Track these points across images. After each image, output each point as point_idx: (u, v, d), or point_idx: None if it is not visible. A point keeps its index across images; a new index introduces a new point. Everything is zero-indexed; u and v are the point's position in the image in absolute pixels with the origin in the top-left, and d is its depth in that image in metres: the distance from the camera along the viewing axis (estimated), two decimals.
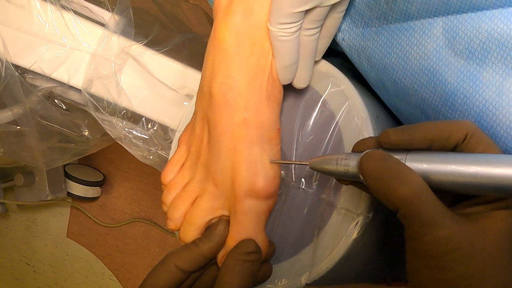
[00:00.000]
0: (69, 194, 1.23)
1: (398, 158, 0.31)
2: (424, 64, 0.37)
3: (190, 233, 0.41)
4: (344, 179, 0.35)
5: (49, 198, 1.18)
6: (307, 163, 0.36)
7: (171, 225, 0.42)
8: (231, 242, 0.39)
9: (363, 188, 0.36)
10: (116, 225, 1.27)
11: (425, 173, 0.30)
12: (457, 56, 0.36)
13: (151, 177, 1.25)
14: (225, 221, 0.40)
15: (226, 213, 0.40)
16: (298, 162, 0.38)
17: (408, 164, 0.30)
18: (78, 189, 1.24)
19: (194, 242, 0.40)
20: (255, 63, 0.38)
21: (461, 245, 0.28)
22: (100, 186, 1.26)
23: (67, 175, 1.22)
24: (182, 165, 0.43)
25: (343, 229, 0.39)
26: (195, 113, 0.42)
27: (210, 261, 0.40)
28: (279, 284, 0.41)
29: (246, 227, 0.39)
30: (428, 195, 0.29)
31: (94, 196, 1.26)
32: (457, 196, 0.32)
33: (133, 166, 1.27)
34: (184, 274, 0.38)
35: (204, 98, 0.40)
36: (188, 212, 0.41)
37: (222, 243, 0.40)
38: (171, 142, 0.64)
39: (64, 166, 1.21)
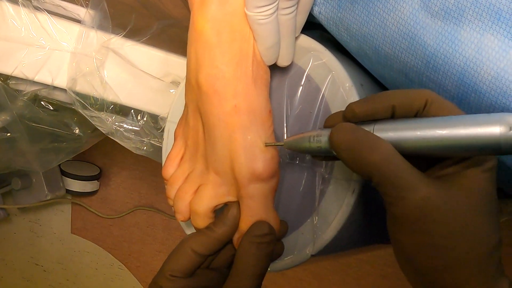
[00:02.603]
0: (68, 191, 1.24)
1: (367, 130, 0.32)
2: (402, 29, 0.37)
3: (198, 222, 0.41)
4: (318, 155, 0.36)
5: (48, 197, 1.18)
6: (282, 144, 0.37)
7: (179, 217, 0.43)
8: (244, 225, 0.40)
9: (339, 160, 0.37)
10: (119, 215, 1.28)
11: (393, 140, 0.30)
12: (433, 17, 0.36)
13: (147, 164, 1.26)
14: (237, 204, 0.41)
15: (231, 199, 0.41)
16: (277, 143, 0.39)
17: (376, 134, 0.31)
18: (76, 185, 1.24)
19: (208, 227, 0.41)
20: (238, 50, 0.38)
21: (438, 206, 0.29)
22: (97, 179, 1.27)
23: (64, 173, 1.22)
24: (181, 159, 0.44)
25: (341, 198, 0.40)
26: (186, 106, 0.43)
27: (226, 244, 0.41)
28: (285, 259, 0.42)
29: (256, 209, 0.40)
30: (399, 159, 0.30)
31: (93, 190, 1.26)
32: (428, 161, 0.33)
33: (127, 156, 1.27)
34: (201, 258, 0.39)
35: (193, 90, 0.40)
36: (192, 201, 0.42)
37: (236, 226, 0.40)
38: (162, 131, 0.65)
39: (60, 164, 1.21)
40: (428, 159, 0.33)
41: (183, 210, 0.42)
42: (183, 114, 0.44)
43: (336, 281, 1.13)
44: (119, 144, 0.66)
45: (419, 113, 0.31)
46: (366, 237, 0.48)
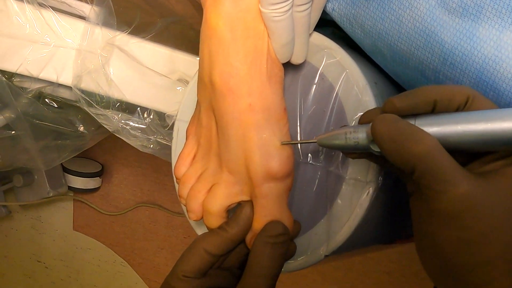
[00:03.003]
0: (70, 188, 1.23)
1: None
2: (418, 26, 0.37)
3: (211, 221, 0.41)
4: (353, 152, 0.35)
5: (50, 194, 1.18)
6: (315, 141, 0.36)
7: (192, 216, 0.42)
8: (257, 225, 0.39)
9: (372, 159, 0.37)
10: (121, 212, 1.27)
11: (436, 134, 0.30)
12: (451, 14, 0.35)
13: (149, 161, 1.25)
14: (250, 203, 0.40)
15: (245, 198, 0.40)
16: (306, 141, 0.38)
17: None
18: (78, 182, 1.24)
19: (221, 227, 0.40)
20: (252, 47, 0.38)
21: (480, 201, 0.28)
22: (99, 176, 1.26)
23: (66, 170, 1.21)
24: (194, 157, 0.43)
25: (355, 198, 0.39)
26: (198, 104, 0.42)
27: (238, 244, 0.41)
28: (298, 259, 0.42)
29: (270, 209, 0.39)
30: (444, 152, 0.29)
31: (95, 187, 1.26)
32: (468, 156, 0.32)
33: (129, 153, 1.27)
34: (213, 258, 0.39)
35: (206, 88, 0.40)
36: (205, 200, 0.41)
37: (249, 226, 0.40)
38: (169, 129, 0.64)
39: None
40: (467, 155, 0.32)
41: (196, 209, 0.41)
42: (195, 112, 0.44)
43: (340, 277, 1.13)
44: (121, 141, 0.66)
45: (459, 109, 0.30)
46: (379, 237, 0.48)
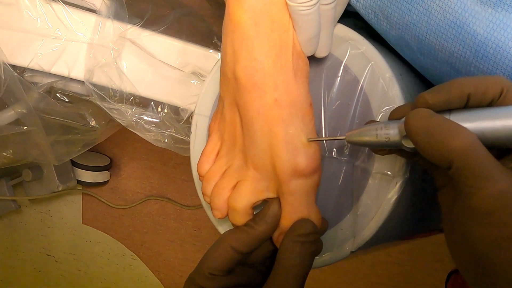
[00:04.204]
0: (78, 182, 1.23)
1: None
2: (449, 17, 0.36)
3: (237, 219, 0.40)
4: (383, 148, 0.35)
5: (60, 189, 1.18)
6: (344, 138, 0.35)
7: (217, 214, 0.41)
8: (286, 222, 0.38)
9: (403, 154, 0.36)
10: (130, 205, 1.27)
11: (472, 129, 0.29)
12: (483, 4, 0.34)
13: (157, 154, 1.24)
14: (277, 200, 0.39)
15: (271, 195, 0.40)
16: (334, 138, 0.37)
17: None
18: (87, 176, 1.23)
19: (248, 224, 0.39)
20: (277, 40, 0.37)
21: None
22: (108, 169, 1.26)
23: (74, 164, 1.21)
24: (217, 154, 0.42)
25: (382, 193, 0.38)
26: (221, 99, 0.41)
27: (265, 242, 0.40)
28: (324, 256, 0.41)
29: (298, 206, 0.38)
30: (481, 147, 0.28)
31: (104, 180, 1.26)
32: (500, 151, 0.31)
33: (138, 146, 1.26)
34: (240, 256, 0.38)
35: (230, 83, 0.39)
36: (230, 197, 0.40)
37: (277, 223, 0.39)
38: (184, 123, 0.63)
39: None
40: (499, 150, 0.31)
41: (221, 206, 0.41)
42: (217, 108, 0.43)
43: (351, 269, 1.12)
44: (130, 134, 0.65)
45: (494, 101, 0.30)
46: (403, 231, 0.47)
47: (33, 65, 0.62)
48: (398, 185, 0.38)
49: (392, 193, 0.38)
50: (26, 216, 1.38)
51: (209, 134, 0.43)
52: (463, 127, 0.29)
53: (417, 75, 0.44)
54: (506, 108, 0.29)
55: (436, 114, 0.30)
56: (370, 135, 0.33)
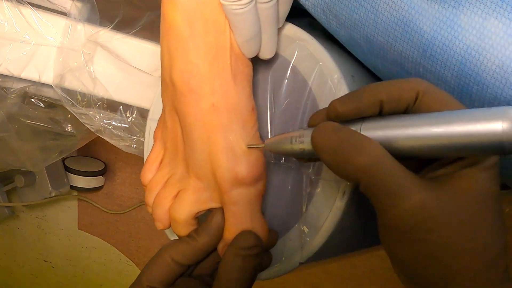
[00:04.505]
0: (73, 187, 1.22)
1: (354, 129, 0.28)
2: (395, 15, 0.34)
3: (179, 230, 0.38)
4: (302, 157, 0.33)
5: (52, 194, 1.17)
6: (263, 145, 0.33)
7: (159, 225, 0.40)
8: (228, 234, 0.37)
9: None
10: (125, 211, 1.26)
11: (383, 141, 0.27)
12: (429, 1, 0.32)
13: None
14: (221, 210, 0.37)
15: (215, 205, 0.38)
16: (259, 145, 0.36)
17: (364, 133, 0.28)
18: (81, 181, 1.23)
19: (191, 236, 0.38)
20: (213, 42, 0.35)
21: (433, 212, 0.26)
22: (102, 175, 1.25)
23: (68, 169, 1.20)
24: (161, 162, 0.41)
25: (330, 201, 0.36)
26: (163, 106, 0.39)
27: (210, 253, 0.38)
28: (272, 267, 0.39)
29: (240, 217, 0.36)
30: (390, 161, 0.26)
31: (98, 186, 1.25)
32: (422, 160, 0.29)
33: None
34: (181, 268, 0.37)
35: (168, 88, 0.37)
36: (171, 207, 0.38)
37: (220, 234, 0.37)
38: None
39: (63, 160, 1.19)
40: (422, 159, 0.29)
41: (162, 217, 0.39)
42: (161, 114, 0.41)
43: (346, 275, 1.11)
44: None
45: (409, 107, 0.28)
46: (360, 241, 0.45)
47: (2, 70, 0.61)
48: (346, 192, 0.36)
49: (340, 201, 0.36)
50: (23, 222, 1.38)
51: (153, 142, 0.41)
52: (369, 140, 0.27)
53: (374, 76, 0.42)
54: (418, 115, 0.27)
55: (342, 127, 0.28)
56: (285, 144, 0.32)
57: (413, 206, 0.26)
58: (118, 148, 1.26)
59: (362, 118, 0.29)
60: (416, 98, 0.27)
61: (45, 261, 1.39)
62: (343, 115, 0.29)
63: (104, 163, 1.27)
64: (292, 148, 0.31)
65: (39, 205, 1.33)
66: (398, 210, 0.26)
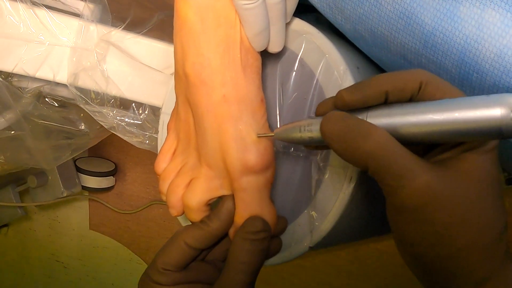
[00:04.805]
0: (84, 187, 1.23)
1: (360, 118, 0.30)
2: (398, 8, 0.35)
3: (192, 216, 0.40)
4: (311, 145, 0.34)
5: (64, 194, 1.18)
6: (273, 134, 0.35)
7: (173, 212, 0.42)
8: (239, 219, 0.38)
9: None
10: (135, 210, 1.27)
11: (389, 127, 0.29)
12: None
13: None
14: (231, 197, 0.39)
15: (226, 192, 0.40)
16: (268, 134, 0.37)
17: (370, 121, 0.29)
18: (92, 182, 1.24)
19: (203, 221, 0.39)
20: (224, 36, 0.36)
21: (439, 192, 0.27)
22: (113, 175, 1.26)
23: (79, 170, 1.22)
24: (174, 152, 0.43)
25: (338, 187, 0.38)
26: (176, 98, 0.41)
27: (221, 239, 0.40)
28: (282, 252, 0.41)
29: (250, 203, 0.38)
30: (396, 145, 0.28)
31: (109, 186, 1.26)
32: (426, 146, 0.31)
33: (142, 151, 1.26)
34: (194, 252, 0.38)
35: (181, 81, 0.39)
36: (184, 195, 0.40)
37: (231, 220, 0.39)
38: None
39: (75, 161, 1.21)
40: (426, 144, 0.31)
41: (176, 204, 0.41)
42: (175, 106, 0.43)
43: (355, 270, 1.11)
44: None
45: (413, 96, 0.29)
46: (367, 227, 0.47)
47: (18, 70, 0.63)
48: (353, 178, 0.37)
49: (347, 187, 0.37)
50: (35, 222, 1.40)
51: (167, 133, 0.43)
52: (375, 127, 0.28)
53: (378, 67, 0.44)
54: (421, 103, 0.28)
55: (349, 116, 0.30)
56: (295, 132, 0.33)
57: (420, 186, 0.27)
58: (128, 148, 1.28)
59: (368, 107, 0.30)
60: (420, 88, 0.29)
61: (58, 261, 1.40)
62: (350, 104, 0.30)
63: (114, 163, 1.28)
64: (301, 136, 0.33)
65: (51, 206, 1.34)
66: (406, 191, 0.27)
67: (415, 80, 0.29)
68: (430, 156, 0.30)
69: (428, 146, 0.31)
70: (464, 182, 0.28)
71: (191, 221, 0.41)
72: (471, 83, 0.34)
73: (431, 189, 0.27)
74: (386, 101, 0.30)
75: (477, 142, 0.28)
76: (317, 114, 0.34)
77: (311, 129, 0.32)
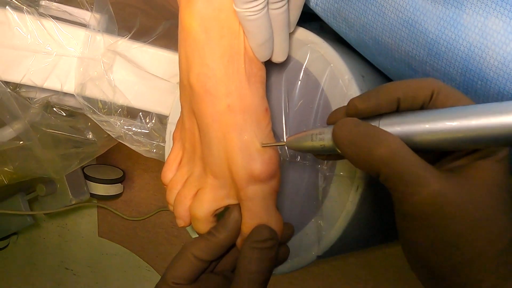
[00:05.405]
0: (92, 195, 1.24)
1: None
2: (401, 16, 0.35)
3: (199, 227, 0.40)
4: (322, 154, 0.34)
5: (73, 202, 1.19)
6: (281, 144, 0.35)
7: (180, 222, 0.42)
8: (245, 229, 0.39)
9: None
10: (144, 217, 1.28)
11: (401, 135, 0.29)
12: (433, 2, 0.34)
13: None
14: (238, 207, 0.39)
15: (232, 201, 0.40)
16: (277, 144, 0.37)
17: (382, 128, 0.29)
18: (101, 189, 1.24)
19: (210, 232, 0.40)
20: (228, 46, 0.37)
21: (450, 200, 0.27)
22: (121, 182, 1.27)
23: (87, 177, 1.22)
24: (180, 162, 0.43)
25: (345, 196, 0.38)
26: (181, 108, 0.42)
27: (229, 249, 0.40)
28: (290, 261, 0.41)
29: (256, 212, 0.38)
30: (408, 152, 0.28)
31: (117, 193, 1.27)
32: (437, 153, 0.31)
33: (149, 158, 1.27)
34: (203, 264, 0.39)
35: (186, 91, 0.39)
36: (191, 206, 0.40)
37: (238, 229, 0.39)
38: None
39: (83, 168, 1.22)
40: (436, 153, 0.31)
41: (183, 215, 0.41)
42: (180, 116, 0.43)
43: (362, 275, 1.11)
44: None
45: (425, 105, 0.29)
46: (374, 236, 0.47)
47: (26, 80, 0.63)
48: (359, 187, 0.37)
49: (354, 196, 0.37)
50: (45, 230, 1.40)
51: (172, 143, 0.44)
52: (388, 134, 0.28)
53: (383, 76, 0.44)
54: (434, 110, 0.28)
55: (362, 122, 0.30)
56: (306, 141, 0.33)
57: (431, 194, 0.27)
58: (136, 156, 1.28)
59: (380, 114, 0.30)
60: (431, 96, 0.29)
61: (67, 268, 1.40)
62: (362, 112, 0.30)
63: (122, 170, 1.28)
64: (313, 145, 0.33)
65: (60, 213, 1.35)
66: (417, 198, 0.27)
67: (428, 88, 0.29)
68: (440, 164, 0.30)
69: (438, 154, 0.31)
70: (476, 191, 0.28)
71: (198, 232, 0.41)
72: (476, 90, 0.34)
73: (443, 197, 0.27)
74: (398, 109, 0.30)
75: (490, 150, 0.28)
76: (329, 122, 0.34)
77: (323, 138, 0.32)
